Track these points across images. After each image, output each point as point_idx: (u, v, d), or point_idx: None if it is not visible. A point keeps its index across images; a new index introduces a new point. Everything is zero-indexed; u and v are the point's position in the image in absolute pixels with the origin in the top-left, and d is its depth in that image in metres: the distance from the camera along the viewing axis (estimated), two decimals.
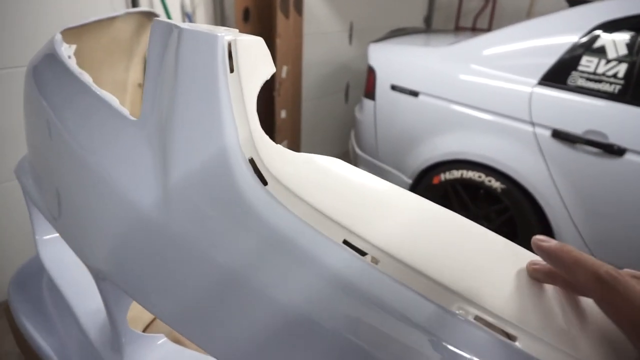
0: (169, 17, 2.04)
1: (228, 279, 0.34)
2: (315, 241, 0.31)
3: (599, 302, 0.28)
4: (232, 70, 0.36)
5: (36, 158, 0.65)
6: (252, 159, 0.35)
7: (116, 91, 0.99)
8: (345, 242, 0.31)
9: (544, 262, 0.33)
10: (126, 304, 0.50)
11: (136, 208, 0.38)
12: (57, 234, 0.73)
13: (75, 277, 0.69)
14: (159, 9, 2.02)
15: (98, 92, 0.50)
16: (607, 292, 0.26)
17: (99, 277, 0.46)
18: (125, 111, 0.45)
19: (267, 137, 0.36)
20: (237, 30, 0.44)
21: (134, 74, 1.04)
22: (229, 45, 0.37)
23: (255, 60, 0.38)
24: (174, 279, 0.37)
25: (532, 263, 0.34)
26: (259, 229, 0.33)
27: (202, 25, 0.43)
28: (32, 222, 0.71)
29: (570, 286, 0.32)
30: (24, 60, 1.55)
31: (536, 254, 0.32)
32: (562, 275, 0.31)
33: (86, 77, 0.56)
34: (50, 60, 0.62)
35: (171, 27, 0.40)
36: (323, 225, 0.32)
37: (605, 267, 0.27)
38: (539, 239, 0.32)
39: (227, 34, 0.38)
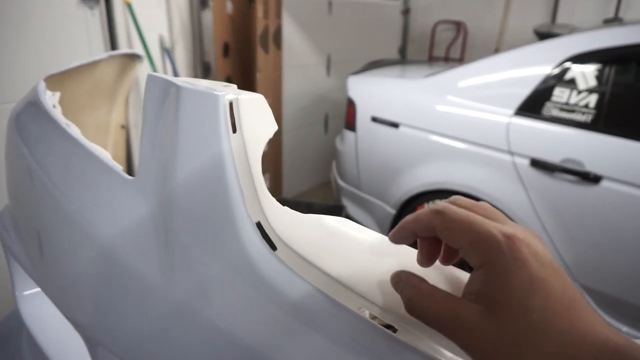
0: (148, 54, 2.04)
1: (238, 349, 0.33)
2: (330, 310, 0.30)
3: (439, 232, 0.31)
4: (234, 131, 0.36)
5: (17, 204, 0.63)
6: (259, 222, 0.34)
7: (99, 134, 0.97)
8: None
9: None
10: None
11: (137, 273, 0.37)
12: (38, 289, 0.70)
13: (58, 334, 0.66)
14: (137, 45, 2.02)
15: (88, 146, 0.48)
16: (441, 219, 0.30)
17: (92, 344, 0.43)
18: (119, 168, 0.44)
19: (274, 199, 0.36)
20: (235, 86, 0.43)
21: (117, 115, 1.02)
22: (230, 104, 0.36)
23: (257, 119, 0.37)
24: (178, 348, 0.35)
25: (391, 234, 0.36)
26: (270, 297, 0.32)
27: (197, 80, 0.42)
28: (11, 277, 0.67)
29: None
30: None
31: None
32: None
33: (74, 130, 0.55)
34: (33, 109, 0.60)
35: (168, 84, 0.39)
36: (337, 293, 0.31)
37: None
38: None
39: (227, 92, 0.37)
